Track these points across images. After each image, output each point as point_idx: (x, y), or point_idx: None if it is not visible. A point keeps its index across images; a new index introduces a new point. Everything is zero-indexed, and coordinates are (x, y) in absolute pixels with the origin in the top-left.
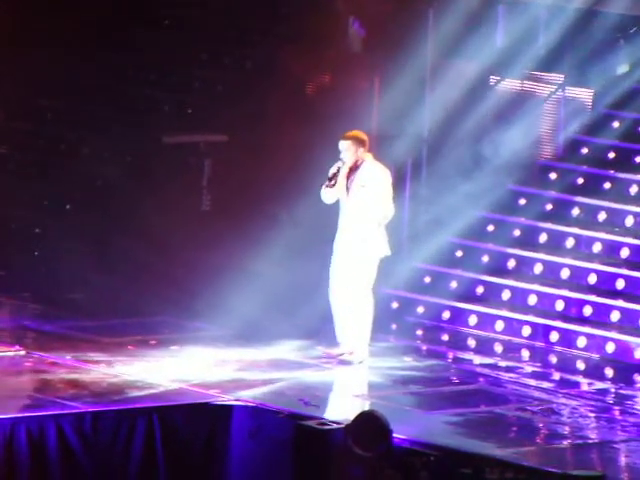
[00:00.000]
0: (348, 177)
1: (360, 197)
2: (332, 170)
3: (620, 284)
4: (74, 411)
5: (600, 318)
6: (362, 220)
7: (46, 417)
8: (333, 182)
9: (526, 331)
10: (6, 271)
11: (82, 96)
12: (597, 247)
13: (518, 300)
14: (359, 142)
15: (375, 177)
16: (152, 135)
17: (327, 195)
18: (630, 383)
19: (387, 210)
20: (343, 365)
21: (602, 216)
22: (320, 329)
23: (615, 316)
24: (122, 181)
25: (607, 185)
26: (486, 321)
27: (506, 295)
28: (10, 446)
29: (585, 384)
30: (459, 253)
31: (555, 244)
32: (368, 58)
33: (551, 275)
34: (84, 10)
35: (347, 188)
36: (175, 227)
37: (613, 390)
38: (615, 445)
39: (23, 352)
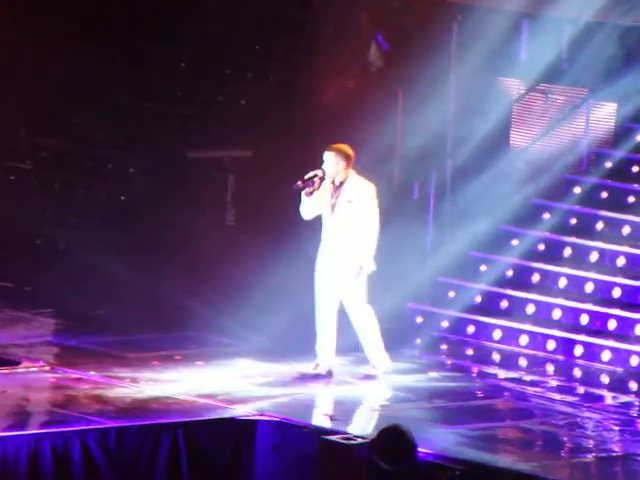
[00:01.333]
0: (332, 194)
1: (346, 213)
2: (309, 174)
3: None
4: (99, 426)
5: (624, 331)
6: (349, 236)
7: (71, 432)
8: (311, 190)
9: (550, 345)
10: (31, 287)
11: (105, 112)
12: (621, 261)
13: (542, 314)
14: (343, 156)
15: (361, 192)
16: (176, 150)
17: (306, 208)
18: None
19: (374, 224)
20: (368, 379)
21: (626, 230)
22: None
23: (639, 330)
24: (146, 196)
25: (631, 199)
26: (510, 335)
27: (530, 309)
28: (35, 461)
29: (609, 397)
30: (483, 267)
31: (579, 258)
32: (392, 73)
33: (575, 289)
34: (107, 27)
35: (332, 205)
36: (199, 242)
37: (637, 403)
38: (639, 458)
39: (47, 367)
